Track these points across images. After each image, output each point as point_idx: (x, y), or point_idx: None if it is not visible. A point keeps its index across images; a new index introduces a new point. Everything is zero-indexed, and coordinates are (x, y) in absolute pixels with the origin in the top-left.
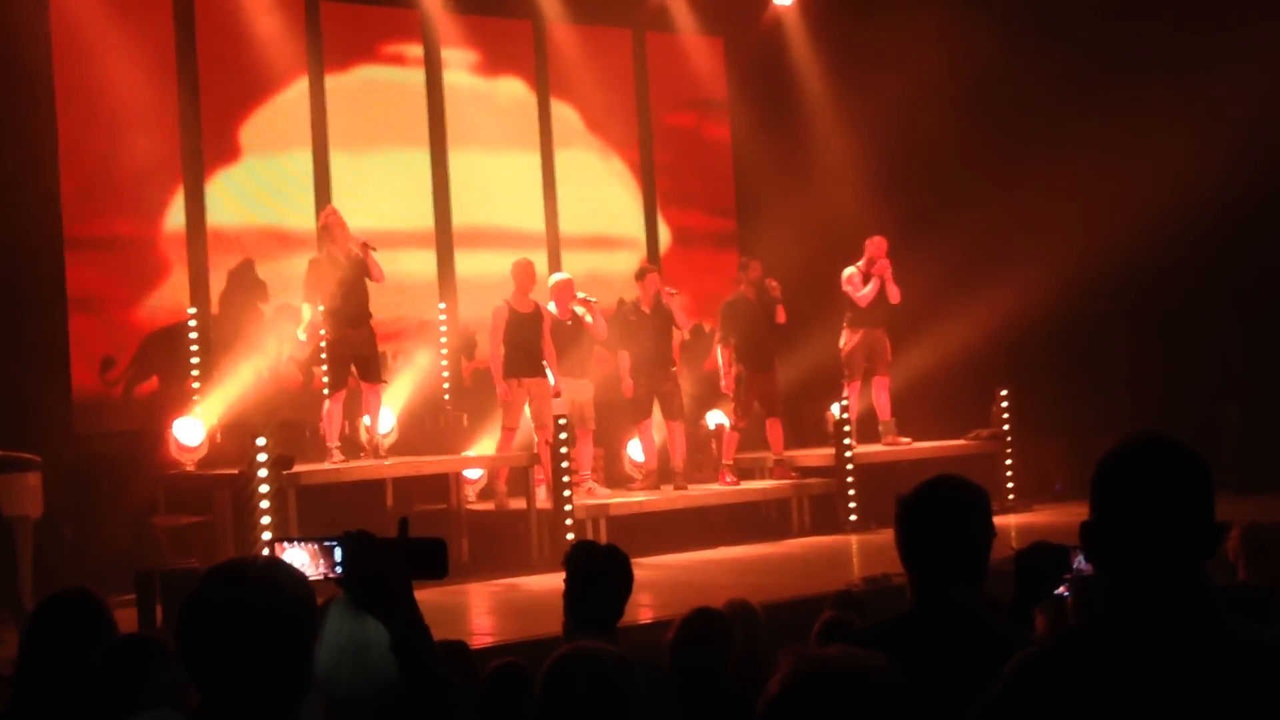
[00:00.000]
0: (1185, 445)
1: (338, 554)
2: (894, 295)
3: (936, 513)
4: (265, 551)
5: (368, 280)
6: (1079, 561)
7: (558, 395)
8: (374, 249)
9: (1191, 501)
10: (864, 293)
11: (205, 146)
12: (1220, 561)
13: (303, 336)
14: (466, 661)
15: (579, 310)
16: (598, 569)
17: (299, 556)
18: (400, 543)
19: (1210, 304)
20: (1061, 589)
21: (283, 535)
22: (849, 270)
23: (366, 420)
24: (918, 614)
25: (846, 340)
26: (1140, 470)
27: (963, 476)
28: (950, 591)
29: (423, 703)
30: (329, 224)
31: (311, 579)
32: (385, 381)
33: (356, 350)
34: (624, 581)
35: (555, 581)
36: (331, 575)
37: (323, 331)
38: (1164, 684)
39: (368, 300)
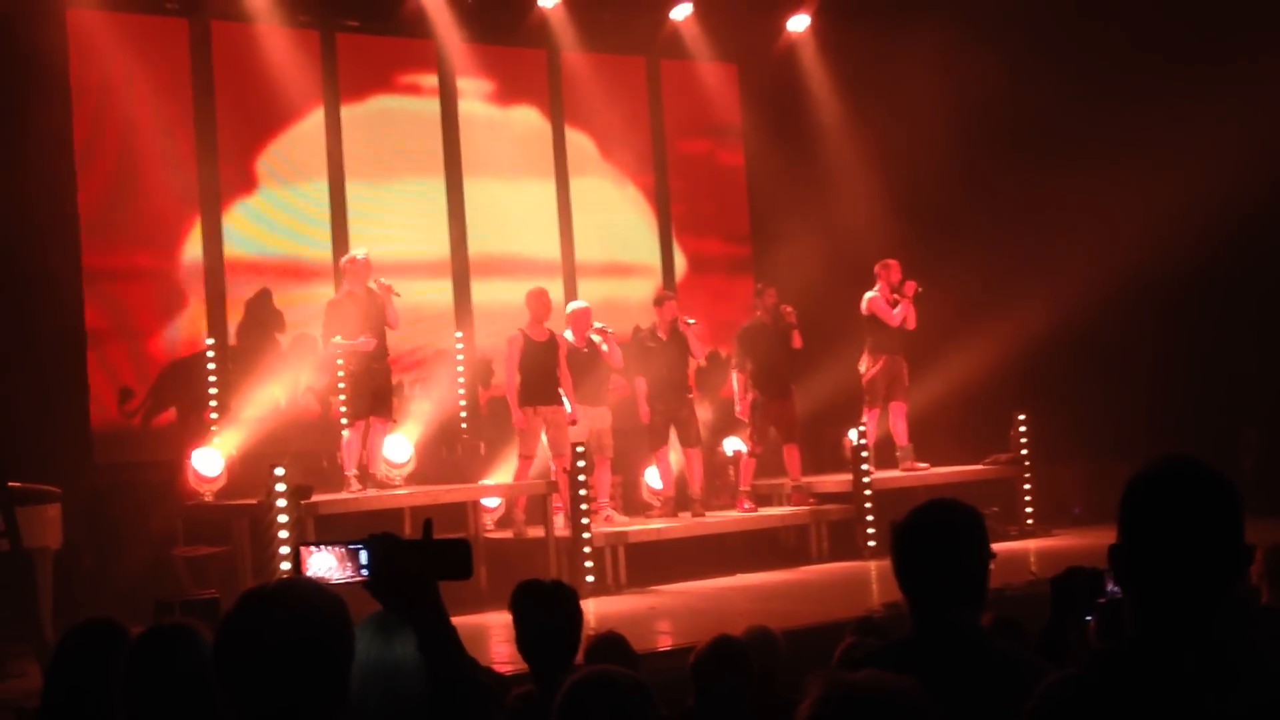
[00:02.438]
0: (1213, 468)
1: (363, 557)
2: (911, 319)
3: (930, 537)
4: (287, 559)
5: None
6: (1112, 585)
7: (574, 423)
8: (397, 294)
9: (1222, 524)
10: (894, 313)
11: (222, 177)
12: (1244, 584)
13: (362, 338)
14: (500, 686)
15: (595, 339)
16: (544, 608)
17: (325, 560)
18: (425, 544)
19: (1226, 326)
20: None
21: (306, 540)
22: (871, 294)
23: (386, 454)
24: (917, 639)
25: (869, 367)
26: (1170, 493)
27: (957, 499)
28: (948, 615)
29: (453, 702)
30: (357, 260)
31: (338, 582)
32: (395, 421)
33: (376, 382)
34: (572, 619)
35: None
36: (357, 578)
37: (340, 361)
38: (1191, 709)
39: (385, 336)
